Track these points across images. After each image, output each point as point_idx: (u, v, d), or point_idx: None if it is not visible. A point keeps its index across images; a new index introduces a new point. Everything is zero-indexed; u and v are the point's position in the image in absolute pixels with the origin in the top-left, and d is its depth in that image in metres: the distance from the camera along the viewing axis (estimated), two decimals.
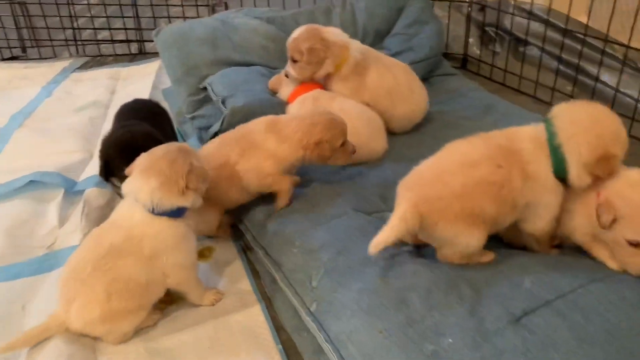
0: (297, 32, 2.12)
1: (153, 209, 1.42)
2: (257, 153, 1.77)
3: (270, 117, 1.85)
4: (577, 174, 1.41)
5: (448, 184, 1.41)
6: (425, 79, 2.73)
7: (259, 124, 1.83)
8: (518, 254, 1.54)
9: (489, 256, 1.50)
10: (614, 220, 1.35)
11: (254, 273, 1.77)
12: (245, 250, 1.86)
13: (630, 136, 2.37)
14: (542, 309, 1.27)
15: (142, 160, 1.48)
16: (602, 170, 1.38)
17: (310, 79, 2.15)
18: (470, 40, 3.18)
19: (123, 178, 1.51)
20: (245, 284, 1.73)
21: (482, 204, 1.40)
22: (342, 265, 1.50)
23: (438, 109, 2.47)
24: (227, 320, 1.58)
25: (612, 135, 1.40)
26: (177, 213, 1.46)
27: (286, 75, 2.19)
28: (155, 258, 1.45)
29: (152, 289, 1.49)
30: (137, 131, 1.82)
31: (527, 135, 1.47)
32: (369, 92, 2.16)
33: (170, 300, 1.63)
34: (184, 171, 1.44)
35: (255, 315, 1.61)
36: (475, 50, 3.16)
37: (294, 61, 2.11)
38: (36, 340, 1.46)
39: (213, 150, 1.81)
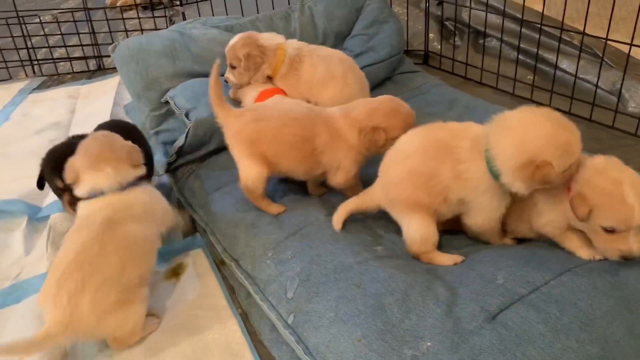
0: (234, 40, 2.19)
1: (121, 186, 1.59)
2: (341, 144, 1.72)
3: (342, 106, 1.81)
4: (508, 180, 1.39)
5: (391, 173, 1.58)
6: (388, 77, 2.74)
7: (334, 109, 1.79)
8: (487, 248, 1.55)
9: (451, 259, 1.52)
10: (590, 211, 1.35)
11: (229, 288, 1.74)
12: (218, 265, 1.83)
13: (591, 121, 2.42)
14: (517, 304, 1.28)
15: (82, 159, 1.61)
16: (530, 178, 1.34)
17: (248, 83, 2.21)
18: (431, 35, 3.20)
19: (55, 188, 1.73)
20: (220, 300, 1.70)
21: (414, 192, 1.51)
22: (316, 274, 1.49)
23: None
24: (204, 338, 1.55)
25: (541, 141, 1.34)
26: (137, 182, 1.65)
27: (225, 81, 2.24)
28: (146, 215, 1.60)
29: (152, 250, 1.61)
30: (68, 143, 1.82)
31: (471, 134, 1.48)
32: (304, 85, 2.17)
33: None
34: (124, 150, 1.64)
35: (233, 332, 1.58)
36: (436, 45, 3.18)
37: (233, 67, 2.20)
38: (37, 350, 1.42)
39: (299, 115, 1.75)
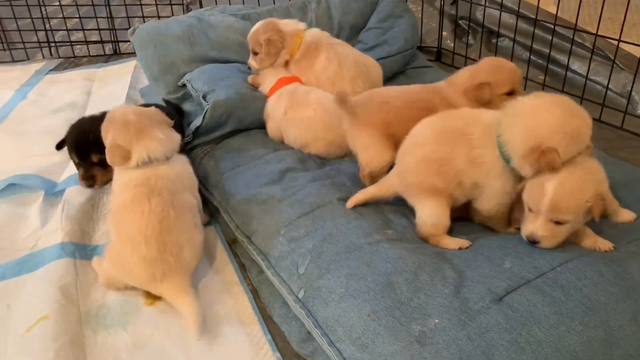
0: (255, 27, 2.29)
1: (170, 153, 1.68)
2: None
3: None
4: (518, 164, 1.45)
5: (406, 160, 1.64)
6: (401, 71, 2.77)
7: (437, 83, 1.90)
8: (495, 235, 1.59)
9: (457, 243, 1.56)
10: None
11: (240, 265, 1.78)
12: (230, 243, 1.87)
13: (600, 121, 2.45)
14: (524, 288, 1.31)
15: (125, 133, 1.64)
16: (536, 163, 1.40)
17: (271, 66, 2.28)
18: (444, 33, 3.23)
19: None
20: (231, 276, 1.74)
21: (428, 178, 1.57)
22: (328, 252, 1.52)
23: None
24: (214, 312, 1.59)
25: (550, 127, 1.39)
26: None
27: (249, 68, 2.34)
28: (191, 187, 1.75)
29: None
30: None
31: (483, 121, 1.53)
32: (313, 75, 2.24)
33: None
34: (163, 117, 1.73)
35: (244, 307, 1.62)
36: (449, 42, 3.21)
37: (255, 53, 2.29)
38: None
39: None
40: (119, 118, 1.67)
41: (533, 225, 1.43)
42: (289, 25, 2.28)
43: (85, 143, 1.87)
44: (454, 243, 1.56)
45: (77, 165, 1.94)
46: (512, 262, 1.39)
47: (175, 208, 1.60)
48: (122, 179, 1.65)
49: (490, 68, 1.80)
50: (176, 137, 1.72)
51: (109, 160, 1.64)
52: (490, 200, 1.56)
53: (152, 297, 1.65)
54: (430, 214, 1.57)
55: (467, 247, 1.55)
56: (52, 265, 1.72)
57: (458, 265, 1.44)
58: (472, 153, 1.51)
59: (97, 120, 1.79)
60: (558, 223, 1.41)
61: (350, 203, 1.71)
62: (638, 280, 1.36)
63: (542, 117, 1.41)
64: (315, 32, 2.32)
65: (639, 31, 3.40)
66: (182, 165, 1.73)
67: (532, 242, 1.44)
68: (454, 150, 1.53)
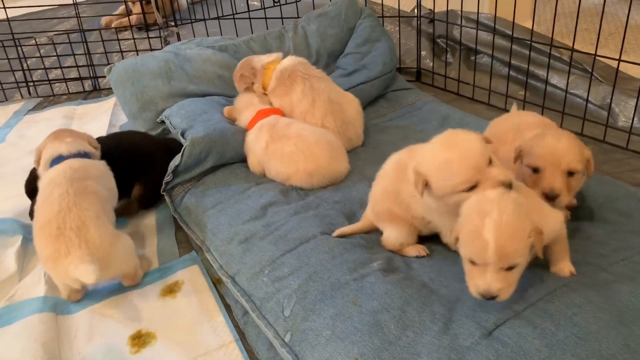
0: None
1: (79, 153, 1.90)
2: None
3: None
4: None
5: (374, 191, 1.73)
6: (381, 95, 2.77)
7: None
8: None
9: (417, 250, 1.65)
10: (457, 239, 1.38)
11: (226, 306, 1.75)
12: (215, 283, 1.83)
13: (582, 135, 2.45)
14: (513, 320, 1.29)
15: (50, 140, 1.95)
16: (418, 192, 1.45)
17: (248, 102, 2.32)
18: (423, 53, 3.24)
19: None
20: (218, 317, 1.70)
21: (391, 207, 1.64)
22: (313, 291, 1.49)
23: (395, 124, 2.51)
24: (201, 357, 1.55)
25: (424, 160, 1.44)
26: (87, 155, 1.94)
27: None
28: (100, 180, 1.88)
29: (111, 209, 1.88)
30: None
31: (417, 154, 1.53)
32: (288, 105, 2.28)
33: None
34: (84, 134, 2.01)
35: (231, 350, 1.58)
36: (428, 62, 3.22)
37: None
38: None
39: None
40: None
41: (484, 281, 1.27)
42: (262, 60, 2.34)
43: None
44: (413, 250, 1.64)
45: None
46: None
47: (74, 190, 1.74)
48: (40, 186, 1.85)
49: None
50: (83, 141, 1.96)
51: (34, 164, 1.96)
52: (446, 235, 1.57)
53: (138, 345, 1.61)
54: (391, 235, 1.66)
55: (424, 256, 1.63)
56: (33, 319, 1.67)
57: (446, 298, 1.42)
58: (409, 187, 1.53)
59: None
60: (509, 269, 1.28)
61: (335, 234, 1.75)
62: (627, 304, 1.34)
63: (424, 151, 1.46)
64: (290, 60, 2.33)
65: (616, 40, 3.44)
66: (90, 161, 1.91)
67: (489, 298, 1.29)
68: (402, 185, 1.58)
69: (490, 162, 1.39)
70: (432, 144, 1.45)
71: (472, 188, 1.37)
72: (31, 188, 2.06)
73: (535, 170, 1.51)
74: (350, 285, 1.48)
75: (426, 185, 1.43)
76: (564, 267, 1.45)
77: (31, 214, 2.00)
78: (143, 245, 2.06)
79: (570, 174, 1.50)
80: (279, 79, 2.28)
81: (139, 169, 2.17)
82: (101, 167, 1.95)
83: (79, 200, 1.73)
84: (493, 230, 1.24)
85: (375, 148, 2.31)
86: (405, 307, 1.38)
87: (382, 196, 1.68)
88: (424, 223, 1.62)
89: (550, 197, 1.48)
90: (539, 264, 1.50)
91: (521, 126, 1.74)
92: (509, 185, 1.36)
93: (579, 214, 1.81)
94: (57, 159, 1.88)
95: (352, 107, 2.34)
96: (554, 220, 1.41)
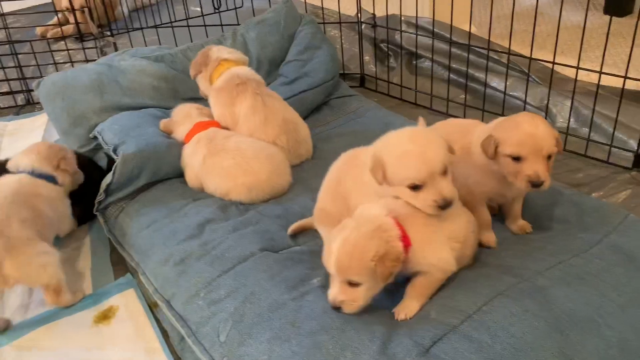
0: None
1: (33, 172, 1.92)
2: None
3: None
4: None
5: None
6: (324, 102, 2.74)
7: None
8: None
9: None
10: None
11: (163, 331, 1.67)
12: (152, 307, 1.76)
13: None
14: (450, 335, 1.27)
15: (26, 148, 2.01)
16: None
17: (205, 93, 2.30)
18: (367, 58, 3.22)
19: None
20: (154, 343, 1.63)
21: (325, 206, 1.66)
22: (250, 314, 1.44)
23: (338, 132, 2.48)
24: None
25: (382, 150, 1.44)
26: (52, 180, 1.95)
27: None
28: (49, 201, 1.89)
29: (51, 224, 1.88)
30: None
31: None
32: (232, 115, 2.20)
33: None
34: (60, 155, 1.99)
35: None
36: (372, 67, 3.21)
37: None
38: None
39: None
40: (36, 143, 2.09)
41: (330, 291, 1.34)
42: (221, 53, 2.28)
43: None
44: None
45: None
46: (437, 312, 1.35)
47: (12, 200, 1.76)
48: None
49: None
50: (45, 169, 1.96)
51: None
52: None
53: None
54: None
55: None
56: None
57: (386, 314, 1.39)
58: (355, 173, 1.57)
59: None
60: (353, 285, 1.32)
61: (290, 231, 1.79)
62: (564, 309, 1.35)
63: (389, 137, 1.46)
64: (246, 70, 2.27)
65: (553, 41, 3.50)
66: (43, 183, 1.92)
67: (335, 308, 1.35)
68: (349, 171, 1.61)
69: (445, 172, 1.39)
70: (400, 132, 1.44)
71: (417, 188, 1.37)
72: None
73: (516, 158, 1.48)
74: (288, 305, 1.44)
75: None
76: None
77: None
78: (76, 268, 1.96)
79: (549, 157, 1.49)
80: (228, 82, 2.20)
81: (78, 190, 2.09)
82: (54, 192, 1.94)
83: (15, 208, 1.73)
84: (338, 244, 1.30)
85: (319, 159, 2.26)
86: (344, 327, 1.34)
87: (321, 193, 1.69)
88: None
89: (537, 185, 1.47)
90: (475, 271, 1.49)
91: (465, 125, 1.74)
92: (448, 203, 1.36)
93: None
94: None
95: (304, 126, 2.29)
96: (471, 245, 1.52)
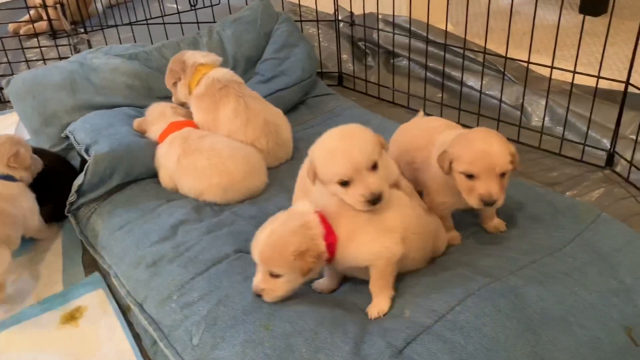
0: None
1: None
2: None
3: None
4: None
5: None
6: (302, 101, 2.72)
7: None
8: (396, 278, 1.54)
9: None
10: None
11: (135, 335, 1.65)
12: (124, 311, 1.73)
13: None
14: (423, 336, 1.27)
15: None
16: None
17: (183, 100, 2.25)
18: (345, 56, 3.21)
19: None
20: (125, 346, 1.61)
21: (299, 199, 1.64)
22: (224, 317, 1.42)
23: (315, 131, 2.42)
24: None
25: (317, 147, 1.47)
26: (9, 178, 1.93)
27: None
28: (10, 199, 1.88)
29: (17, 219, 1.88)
30: None
31: None
32: (215, 119, 2.15)
33: None
34: (10, 152, 1.93)
35: None
36: (350, 66, 3.20)
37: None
38: None
39: None
40: None
41: (255, 277, 1.41)
42: (195, 57, 2.21)
43: None
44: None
45: None
46: (410, 310, 1.34)
47: None
48: None
49: None
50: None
51: None
52: None
53: None
54: None
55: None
56: None
57: (360, 315, 1.39)
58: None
59: None
60: (275, 276, 1.37)
61: None
62: (536, 308, 1.35)
63: (321, 137, 1.48)
64: (225, 73, 2.21)
65: (529, 40, 3.53)
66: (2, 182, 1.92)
67: (257, 295, 1.42)
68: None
69: (374, 166, 1.39)
70: (329, 132, 1.47)
71: (346, 184, 1.38)
72: None
73: (469, 176, 1.48)
74: (262, 308, 1.42)
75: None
76: None
77: None
78: (47, 270, 1.93)
79: (502, 174, 1.50)
80: (209, 88, 2.15)
81: (49, 188, 2.06)
82: (15, 189, 1.92)
83: None
84: (265, 235, 1.36)
85: (296, 159, 2.24)
86: (317, 328, 1.33)
87: (296, 190, 1.72)
88: None
89: (489, 203, 1.46)
90: (449, 271, 1.49)
91: (431, 131, 1.73)
92: (377, 198, 1.37)
93: None
94: None
95: (288, 129, 2.27)
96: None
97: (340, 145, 1.39)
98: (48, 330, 1.66)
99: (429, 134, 1.72)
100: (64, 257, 1.98)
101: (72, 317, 1.70)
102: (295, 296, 1.47)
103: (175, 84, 2.24)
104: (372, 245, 1.38)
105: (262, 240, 1.36)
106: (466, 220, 1.76)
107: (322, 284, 1.56)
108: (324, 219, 1.38)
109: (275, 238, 1.35)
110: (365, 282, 1.47)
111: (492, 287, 1.40)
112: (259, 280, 1.39)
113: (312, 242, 1.34)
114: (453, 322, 1.29)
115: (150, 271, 1.64)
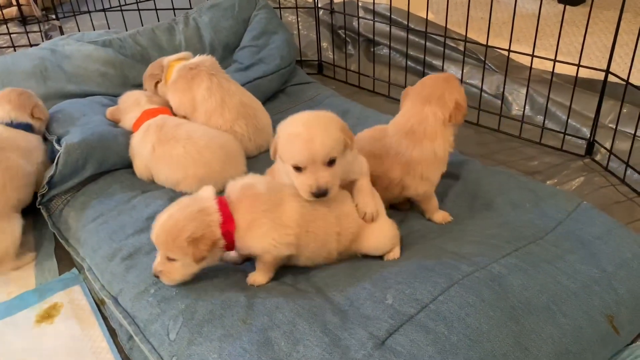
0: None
1: (11, 123, 1.92)
2: None
3: None
4: None
5: None
6: (281, 90, 2.67)
7: None
8: (379, 264, 1.51)
9: None
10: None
11: (111, 330, 1.60)
12: (99, 304, 1.68)
13: (479, 125, 2.49)
14: (406, 326, 1.24)
15: None
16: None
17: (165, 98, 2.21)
18: (325, 45, 3.17)
19: None
20: (101, 342, 1.56)
21: None
22: (201, 312, 1.38)
23: None
24: None
25: (282, 127, 1.47)
26: (28, 128, 1.96)
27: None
28: (28, 153, 1.90)
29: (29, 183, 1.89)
30: None
31: None
32: (190, 100, 2.12)
33: None
34: (32, 102, 1.98)
35: None
36: (330, 54, 3.15)
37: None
38: None
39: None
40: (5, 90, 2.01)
41: (156, 259, 1.42)
42: (169, 58, 2.21)
43: None
44: None
45: None
46: (393, 297, 1.32)
47: None
48: None
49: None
50: (23, 111, 1.95)
51: None
52: None
53: None
54: None
55: None
56: None
57: (340, 305, 1.36)
58: None
59: None
60: (171, 259, 1.38)
61: None
62: (519, 298, 1.34)
63: (291, 116, 1.47)
64: (198, 57, 2.19)
65: (509, 29, 3.53)
66: (22, 133, 1.92)
67: (156, 276, 1.43)
68: None
69: (331, 162, 1.40)
70: (300, 114, 1.47)
71: (299, 170, 1.41)
72: None
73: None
74: (241, 302, 1.38)
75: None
76: None
77: None
78: (18, 264, 1.85)
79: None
80: (181, 71, 2.13)
81: None
82: (34, 141, 1.95)
83: None
84: (162, 219, 1.38)
85: None
86: (296, 320, 1.30)
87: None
88: None
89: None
90: (432, 258, 1.47)
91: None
92: (322, 192, 1.39)
93: (473, 206, 1.81)
94: None
95: (264, 114, 2.23)
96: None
97: (305, 133, 1.39)
98: (22, 330, 1.60)
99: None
100: (37, 251, 1.91)
101: (48, 315, 1.64)
102: (274, 287, 1.45)
103: (156, 85, 2.21)
104: (263, 239, 1.40)
105: (159, 224, 1.37)
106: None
107: (231, 256, 1.57)
108: (224, 206, 1.38)
109: (172, 223, 1.35)
110: (343, 264, 1.53)
111: (475, 276, 1.38)
112: (157, 262, 1.41)
113: (209, 229, 1.35)
114: (436, 311, 1.27)
115: (126, 264, 1.58)
